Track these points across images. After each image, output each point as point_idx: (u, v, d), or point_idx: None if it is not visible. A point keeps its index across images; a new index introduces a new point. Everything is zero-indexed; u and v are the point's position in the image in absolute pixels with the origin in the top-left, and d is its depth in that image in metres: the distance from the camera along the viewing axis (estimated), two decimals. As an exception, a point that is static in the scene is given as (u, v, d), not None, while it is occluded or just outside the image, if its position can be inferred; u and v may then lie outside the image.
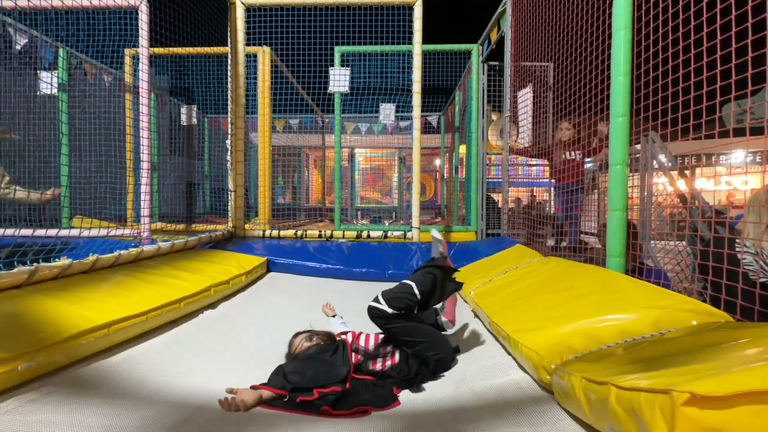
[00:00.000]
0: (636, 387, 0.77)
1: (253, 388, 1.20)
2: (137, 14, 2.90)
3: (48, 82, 4.16)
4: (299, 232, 4.05)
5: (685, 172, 2.06)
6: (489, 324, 1.89)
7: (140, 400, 1.19)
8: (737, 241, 1.59)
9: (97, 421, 1.06)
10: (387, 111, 5.00)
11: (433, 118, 7.08)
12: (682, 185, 1.99)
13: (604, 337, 1.27)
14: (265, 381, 1.24)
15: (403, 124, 6.87)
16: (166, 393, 1.25)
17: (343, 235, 4.09)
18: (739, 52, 1.33)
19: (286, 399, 1.16)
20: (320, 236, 4.03)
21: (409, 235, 3.83)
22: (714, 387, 0.66)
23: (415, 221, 3.75)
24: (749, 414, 0.65)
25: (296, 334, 1.53)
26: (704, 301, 1.47)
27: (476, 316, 2.21)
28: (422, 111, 3.91)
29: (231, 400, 1.14)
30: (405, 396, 1.29)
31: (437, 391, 1.31)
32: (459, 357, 1.60)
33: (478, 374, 1.43)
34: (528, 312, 1.71)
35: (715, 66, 1.42)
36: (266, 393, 1.17)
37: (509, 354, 1.60)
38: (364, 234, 4.08)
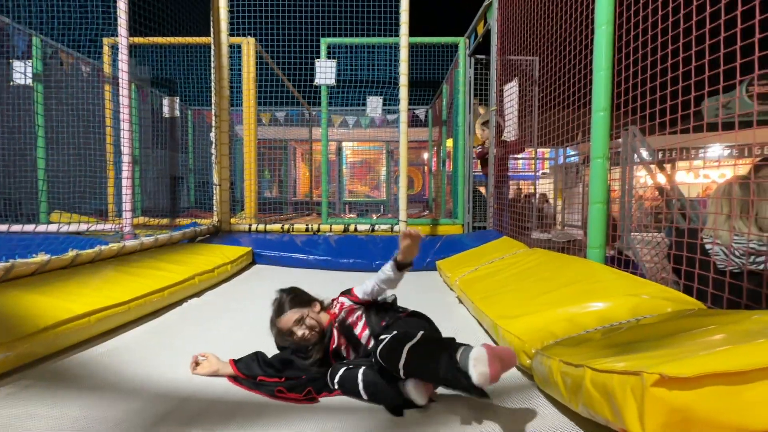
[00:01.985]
0: (610, 369, 0.80)
1: (231, 360, 1.31)
2: (115, 1, 2.80)
3: (21, 72, 4.01)
4: (286, 226, 4.03)
5: (664, 165, 2.12)
6: (473, 310, 1.93)
7: (124, 391, 1.18)
8: (703, 231, 1.66)
9: (80, 413, 1.04)
10: (374, 104, 4.98)
11: (420, 112, 7.08)
12: (661, 178, 2.04)
13: (583, 323, 1.31)
14: (241, 357, 1.32)
15: (390, 117, 6.85)
16: (150, 383, 1.25)
17: (331, 228, 4.08)
18: (713, 48, 1.37)
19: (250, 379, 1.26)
20: (307, 230, 4.01)
21: (396, 228, 3.85)
22: (681, 369, 0.70)
23: (402, 214, 3.77)
24: (713, 394, 0.69)
25: (291, 307, 1.37)
26: (679, 290, 1.53)
27: (461, 302, 2.26)
28: (410, 104, 3.91)
29: (196, 362, 1.32)
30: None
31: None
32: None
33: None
34: (512, 299, 1.75)
35: (694, 61, 1.46)
36: (230, 370, 1.29)
37: (492, 339, 1.64)
38: (352, 227, 4.08)
